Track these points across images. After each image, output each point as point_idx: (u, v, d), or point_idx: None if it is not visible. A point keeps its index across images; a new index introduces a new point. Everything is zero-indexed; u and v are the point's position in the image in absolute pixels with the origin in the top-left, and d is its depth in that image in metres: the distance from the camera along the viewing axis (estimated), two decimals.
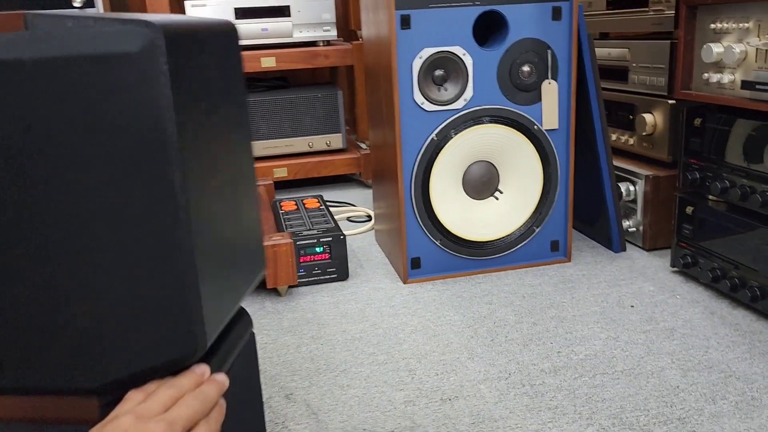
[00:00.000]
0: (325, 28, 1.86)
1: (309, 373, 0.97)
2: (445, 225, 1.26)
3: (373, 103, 1.36)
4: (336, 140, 1.97)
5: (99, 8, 1.70)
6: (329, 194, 1.95)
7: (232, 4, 1.79)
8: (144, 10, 2.15)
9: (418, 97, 1.18)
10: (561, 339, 1.03)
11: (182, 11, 1.78)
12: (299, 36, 1.85)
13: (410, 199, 1.24)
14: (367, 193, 1.94)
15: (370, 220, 1.69)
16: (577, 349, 1.00)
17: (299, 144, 1.93)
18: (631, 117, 1.39)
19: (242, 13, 1.80)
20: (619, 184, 1.37)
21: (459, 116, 1.21)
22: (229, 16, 1.79)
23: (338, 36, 1.93)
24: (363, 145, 2.02)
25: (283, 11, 1.82)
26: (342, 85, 2.16)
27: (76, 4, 1.68)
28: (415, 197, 1.23)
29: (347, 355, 1.02)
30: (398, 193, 1.23)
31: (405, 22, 1.15)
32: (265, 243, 1.18)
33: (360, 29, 1.91)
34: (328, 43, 1.91)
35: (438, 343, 1.04)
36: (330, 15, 1.85)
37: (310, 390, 0.93)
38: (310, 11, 1.84)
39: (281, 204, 1.51)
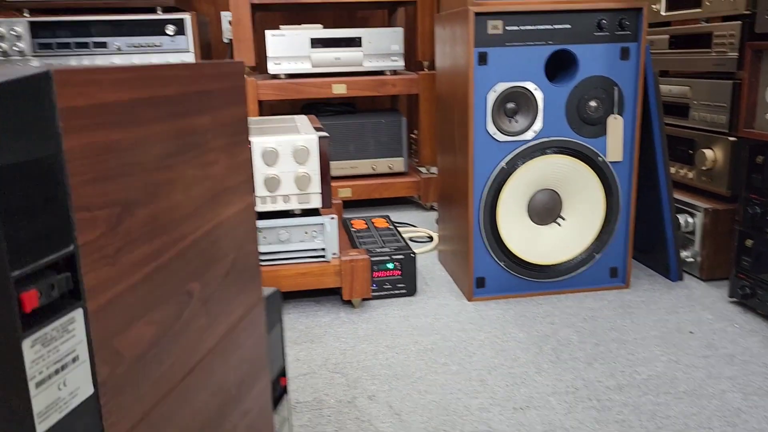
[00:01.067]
0: (393, 58, 1.97)
1: (388, 378, 1.05)
2: (509, 248, 1.34)
3: (445, 131, 1.45)
4: (398, 164, 2.06)
5: (189, 35, 1.84)
6: (389, 215, 2.04)
7: (309, 34, 1.91)
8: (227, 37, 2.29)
9: (491, 128, 1.27)
10: (623, 360, 1.09)
11: (263, 39, 1.91)
12: (368, 65, 1.96)
13: (478, 223, 1.32)
14: (426, 215, 2.03)
15: (431, 240, 1.77)
16: (640, 369, 1.06)
17: (363, 166, 2.04)
18: (690, 152, 1.45)
19: (318, 42, 1.92)
20: (678, 216, 1.43)
21: (528, 146, 1.29)
22: (306, 45, 1.91)
23: (404, 66, 2.04)
24: (423, 170, 2.12)
25: (355, 42, 1.94)
26: (402, 112, 2.27)
27: (168, 33, 1.83)
28: (483, 221, 1.32)
29: (421, 364, 1.10)
30: (467, 216, 1.32)
31: (482, 59, 1.24)
32: (344, 258, 1.28)
33: (426, 60, 2.02)
34: (395, 72, 2.02)
35: (506, 358, 1.11)
36: (398, 46, 1.96)
37: (390, 393, 1.01)
38: (380, 42, 1.95)
39: (352, 222, 1.60)
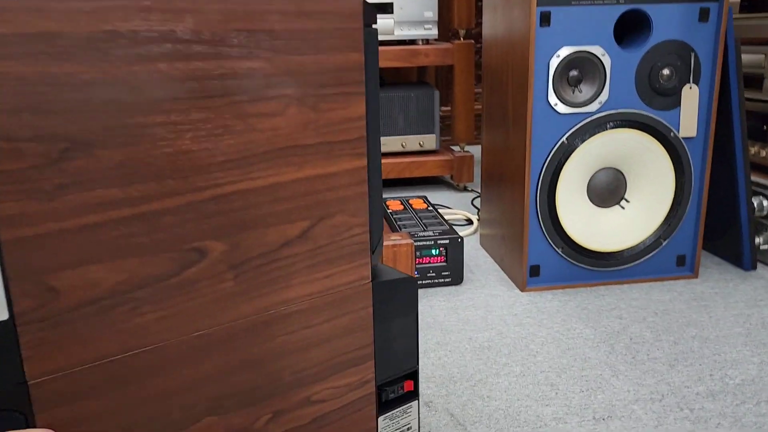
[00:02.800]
0: (426, 26, 1.83)
1: (443, 381, 0.93)
2: (568, 233, 1.21)
3: (494, 104, 1.32)
4: (429, 141, 1.93)
5: None
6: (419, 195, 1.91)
7: None
8: None
9: (552, 98, 1.13)
10: (709, 361, 0.97)
11: None
12: (400, 34, 1.82)
13: (535, 205, 1.19)
14: (460, 196, 1.90)
15: (470, 223, 1.64)
16: (731, 372, 0.94)
17: (392, 143, 1.90)
18: (765, 128, 1.32)
19: None
20: (752, 199, 1.30)
21: (593, 119, 1.15)
22: None
23: (437, 35, 1.90)
24: (456, 148, 1.98)
25: (386, 8, 1.79)
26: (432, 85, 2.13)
27: None
28: (539, 203, 1.18)
29: (479, 365, 0.97)
30: (523, 198, 1.18)
31: (545, 19, 1.10)
32: (385, 243, 1.15)
33: (462, 29, 1.87)
34: (427, 41, 1.88)
35: (575, 358, 0.99)
36: (432, 13, 1.81)
37: (449, 399, 0.88)
38: (413, 9, 1.80)
39: (387, 203, 1.47)
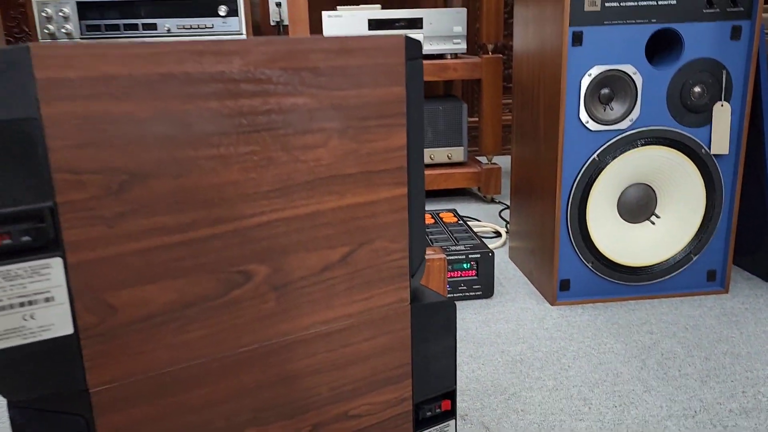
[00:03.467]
0: (455, 40, 1.85)
1: (478, 394, 0.95)
2: (598, 247, 1.22)
3: (524, 119, 1.33)
4: (457, 153, 1.95)
5: (242, 16, 1.74)
6: (448, 208, 1.93)
7: (366, 15, 1.80)
8: (287, 32, 2.20)
9: (584, 116, 1.15)
10: (742, 378, 0.97)
11: (320, 21, 1.81)
12: (429, 48, 1.84)
13: (566, 220, 1.20)
14: (487, 208, 1.91)
15: (498, 236, 1.66)
16: (764, 390, 0.94)
17: None
18: None
19: (376, 24, 1.81)
20: None
21: (624, 136, 1.16)
22: (363, 26, 1.80)
23: (466, 49, 1.92)
24: (483, 160, 1.99)
25: (415, 23, 1.82)
26: (459, 98, 2.15)
27: (220, 14, 1.73)
28: (570, 218, 1.20)
29: (512, 378, 0.99)
30: (553, 213, 1.20)
31: (577, 39, 1.11)
32: None
33: (490, 43, 1.89)
34: (456, 55, 1.90)
35: (607, 373, 0.99)
36: (461, 28, 1.83)
37: (483, 412, 0.90)
38: (442, 24, 1.83)
39: None
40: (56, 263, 0.47)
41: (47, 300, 0.47)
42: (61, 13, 1.70)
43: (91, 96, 0.46)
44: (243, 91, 0.51)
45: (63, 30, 1.71)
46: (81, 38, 1.72)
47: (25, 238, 0.45)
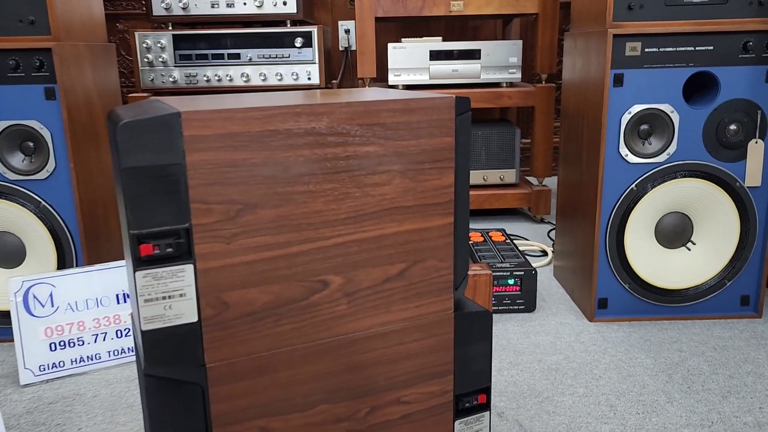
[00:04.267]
0: (510, 70, 1.97)
1: (515, 395, 1.07)
2: (635, 270, 1.32)
3: (570, 147, 1.45)
4: (509, 175, 2.07)
5: (315, 47, 1.92)
6: (498, 226, 2.05)
7: (428, 47, 1.95)
8: (353, 58, 2.37)
9: (623, 150, 1.26)
10: (761, 395, 1.06)
11: (386, 52, 1.97)
12: (485, 77, 1.98)
13: (604, 244, 1.31)
14: (536, 228, 2.02)
15: (544, 255, 1.77)
16: None
17: (475, 177, 2.06)
18: None
19: (436, 55, 1.96)
20: None
21: (660, 169, 1.26)
22: (425, 57, 1.95)
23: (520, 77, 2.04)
24: (534, 181, 2.11)
25: (474, 54, 1.96)
26: (512, 122, 2.27)
27: (296, 45, 1.92)
28: (609, 242, 1.30)
29: (547, 384, 1.11)
30: (593, 237, 1.31)
31: (618, 80, 1.23)
32: None
33: (544, 73, 2.01)
34: (511, 84, 2.02)
35: (634, 384, 1.10)
36: (517, 59, 1.96)
37: (519, 411, 1.03)
38: (498, 55, 1.96)
39: (469, 235, 1.63)
40: (189, 269, 0.63)
41: (181, 295, 0.63)
42: (159, 44, 1.92)
43: (220, 147, 0.62)
44: (329, 142, 0.66)
45: (160, 59, 1.93)
46: (175, 66, 1.94)
47: (169, 250, 0.62)
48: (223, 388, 0.67)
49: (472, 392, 0.81)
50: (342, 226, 0.69)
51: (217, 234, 0.64)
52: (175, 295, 0.63)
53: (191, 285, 0.64)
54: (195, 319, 0.65)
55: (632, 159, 1.26)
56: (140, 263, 0.61)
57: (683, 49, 1.22)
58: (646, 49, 1.22)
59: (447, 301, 0.76)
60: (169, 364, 0.65)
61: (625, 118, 1.24)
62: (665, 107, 1.24)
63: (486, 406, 0.83)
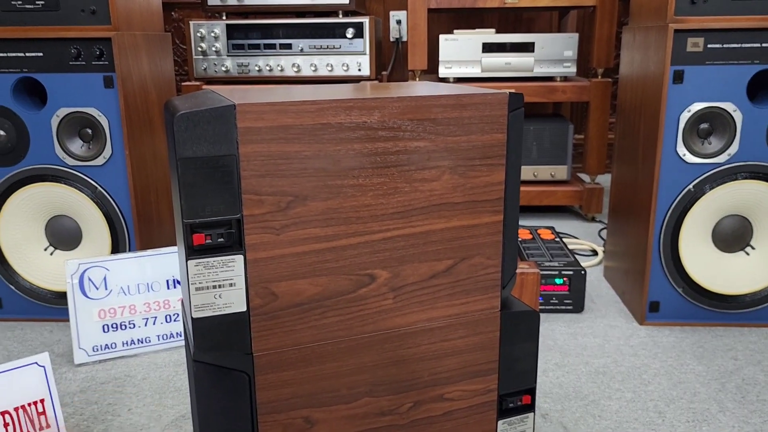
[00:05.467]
0: (565, 64, 1.93)
1: (559, 397, 1.05)
2: (690, 274, 1.28)
3: (626, 144, 1.41)
4: (561, 172, 2.03)
5: (366, 38, 1.92)
6: (548, 223, 2.02)
7: (481, 39, 1.92)
8: (404, 50, 2.36)
9: (681, 149, 1.22)
10: None
11: (437, 44, 1.95)
12: (539, 71, 1.94)
13: (658, 246, 1.27)
14: (587, 227, 1.98)
15: (594, 254, 1.73)
16: None
17: (525, 173, 2.02)
18: None
19: (489, 47, 1.93)
20: None
21: (720, 170, 1.22)
22: (477, 49, 1.93)
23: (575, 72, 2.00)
24: (586, 178, 2.06)
25: (527, 47, 1.92)
26: (565, 117, 2.22)
27: (347, 36, 1.92)
28: (663, 244, 1.27)
29: (593, 387, 1.08)
30: (647, 238, 1.27)
31: (678, 77, 1.19)
32: None
33: (600, 67, 1.96)
34: (565, 78, 1.98)
35: (684, 391, 1.07)
36: (572, 52, 1.92)
37: (563, 414, 1.01)
38: (553, 48, 1.92)
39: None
40: (239, 259, 0.64)
41: (231, 285, 0.64)
42: (212, 34, 1.95)
43: (272, 140, 0.62)
44: (379, 137, 0.66)
45: (213, 48, 1.97)
46: (227, 55, 1.97)
47: (220, 240, 0.63)
48: (269, 376, 0.68)
49: (517, 393, 0.80)
50: (390, 221, 0.69)
51: (268, 225, 0.64)
52: (225, 285, 0.64)
53: (241, 275, 0.65)
54: (244, 308, 0.66)
55: (690, 159, 1.22)
56: (193, 252, 0.63)
57: (749, 45, 1.16)
58: (709, 45, 1.17)
59: (494, 300, 0.75)
60: (218, 351, 0.66)
61: (684, 117, 1.20)
62: (727, 106, 1.19)
63: (530, 408, 0.81)
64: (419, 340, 0.74)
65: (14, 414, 0.79)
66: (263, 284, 0.66)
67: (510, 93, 0.71)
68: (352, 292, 0.69)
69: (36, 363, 0.81)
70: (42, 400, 0.81)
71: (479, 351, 0.76)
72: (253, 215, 0.64)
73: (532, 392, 0.81)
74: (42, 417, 0.81)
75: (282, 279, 0.66)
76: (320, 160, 0.65)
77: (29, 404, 0.80)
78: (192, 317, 0.64)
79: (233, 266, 0.64)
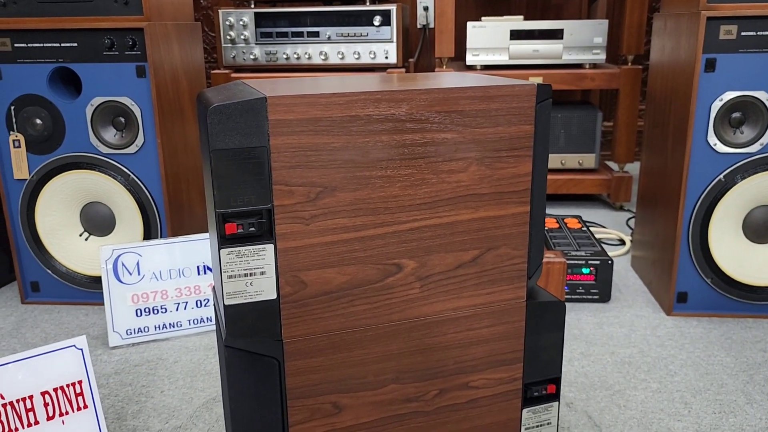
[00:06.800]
0: (594, 51, 1.91)
1: (584, 387, 1.06)
2: (719, 264, 1.26)
3: (655, 133, 1.39)
4: (589, 160, 2.01)
5: (393, 26, 1.92)
6: (575, 212, 2.00)
7: (509, 26, 1.91)
8: (431, 36, 2.36)
9: (712, 139, 1.20)
10: None
11: (464, 31, 1.94)
12: (568, 58, 1.92)
13: (687, 236, 1.26)
14: (615, 215, 1.96)
15: (622, 244, 1.72)
16: None
17: (552, 161, 2.01)
18: None
19: (517, 34, 1.92)
20: None
21: (752, 160, 1.20)
22: (505, 37, 1.91)
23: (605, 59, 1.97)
24: (615, 166, 2.04)
25: (556, 34, 1.90)
26: (594, 104, 2.19)
27: (375, 23, 1.92)
28: (692, 234, 1.25)
29: (619, 377, 1.08)
30: (675, 227, 1.26)
31: (710, 65, 1.17)
32: None
33: (631, 54, 1.93)
34: (594, 65, 1.96)
35: (712, 382, 1.06)
36: (602, 39, 1.89)
37: (588, 403, 1.01)
38: (582, 35, 1.90)
39: None
40: (269, 248, 0.66)
41: (262, 273, 0.66)
42: (241, 22, 1.97)
43: (302, 132, 0.64)
44: (407, 128, 0.67)
45: (241, 36, 1.98)
46: (256, 44, 1.98)
47: (251, 229, 0.64)
48: (299, 362, 0.70)
49: (542, 381, 0.81)
50: (417, 211, 0.70)
51: (298, 215, 0.66)
52: (256, 273, 0.66)
53: (271, 264, 0.66)
54: (274, 296, 0.67)
55: (721, 148, 1.20)
56: (225, 241, 0.64)
57: None
58: (743, 33, 1.15)
59: (519, 290, 0.76)
60: (249, 337, 0.68)
61: (716, 105, 1.18)
62: (761, 95, 1.17)
63: (555, 396, 0.82)
64: (445, 329, 0.75)
65: (53, 394, 0.82)
66: (293, 273, 0.67)
67: (538, 84, 0.71)
68: (379, 281, 0.71)
69: (74, 346, 0.84)
70: (80, 382, 0.84)
71: (505, 340, 0.77)
72: (283, 205, 0.65)
73: (557, 382, 0.82)
74: (80, 398, 0.84)
75: (311, 268, 0.68)
76: (349, 152, 0.66)
77: (67, 385, 0.83)
78: (224, 304, 0.66)
79: (264, 255, 0.66)
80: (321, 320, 0.70)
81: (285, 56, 1.99)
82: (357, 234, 0.68)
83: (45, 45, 1.27)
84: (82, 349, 0.85)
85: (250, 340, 0.68)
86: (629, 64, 1.94)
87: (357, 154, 0.66)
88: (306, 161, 0.65)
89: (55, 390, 0.83)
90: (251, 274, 0.66)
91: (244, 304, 0.66)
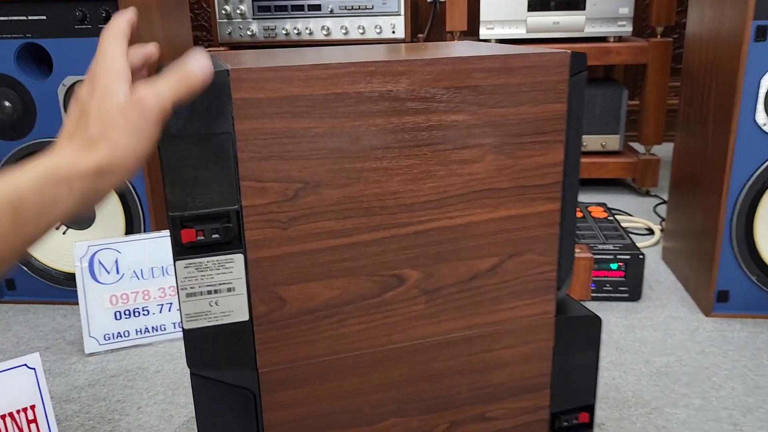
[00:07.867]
0: (620, 23, 1.75)
1: (617, 404, 0.93)
2: (766, 260, 1.12)
3: (692, 111, 1.25)
4: (612, 142, 1.86)
5: (402, 11, 1.77)
6: (596, 199, 1.86)
7: None
8: (442, 10, 2.21)
9: (761, 118, 1.05)
10: None
11: (477, 2, 1.79)
12: (590, 30, 1.76)
13: (729, 227, 1.12)
14: (641, 202, 1.82)
15: (650, 234, 1.58)
16: None
17: None
18: None
19: (535, 5, 1.76)
20: None
21: None
22: (522, 8, 1.76)
23: (631, 31, 1.81)
24: (641, 149, 1.89)
25: (578, 4, 1.74)
26: (619, 81, 2.04)
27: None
28: (736, 225, 1.11)
29: (655, 391, 0.95)
30: (717, 216, 1.12)
31: (761, 34, 1.02)
32: None
33: (660, 26, 1.77)
34: (620, 38, 1.80)
35: (764, 398, 0.93)
36: (628, 9, 1.73)
37: (622, 424, 0.88)
38: (607, 5, 1.74)
39: None
40: (238, 259, 0.53)
41: (229, 290, 0.54)
42: None
43: (276, 114, 0.51)
44: (408, 109, 0.53)
45: (238, 10, 1.84)
46: (253, 18, 1.85)
47: (215, 236, 0.52)
48: (279, 395, 0.58)
49: (572, 410, 0.68)
50: (422, 211, 0.56)
51: (273, 218, 0.53)
52: (222, 290, 0.54)
53: (241, 278, 0.54)
54: (245, 317, 0.55)
55: None
56: (182, 251, 0.52)
57: None
58: None
59: (547, 303, 0.63)
60: (215, 368, 0.56)
61: (766, 81, 1.03)
62: None
63: (588, 426, 0.69)
64: (457, 351, 0.62)
65: (1, 423, 0.71)
66: (268, 288, 0.55)
67: (573, 53, 0.57)
68: (376, 296, 0.58)
69: (26, 365, 0.72)
70: (33, 407, 0.73)
71: (529, 363, 0.64)
72: (254, 206, 0.52)
73: (590, 410, 0.69)
74: (32, 425, 0.72)
75: (291, 282, 0.55)
76: (335, 139, 0.52)
77: (18, 411, 0.72)
78: (183, 328, 0.54)
79: (231, 267, 0.53)
80: (305, 344, 0.57)
81: (284, 32, 1.85)
82: (347, 240, 0.55)
83: (11, 18, 1.14)
84: (34, 369, 0.73)
85: (218, 370, 0.56)
86: (658, 36, 1.77)
87: (346, 142, 0.53)
88: (282, 151, 0.52)
89: (3, 417, 0.71)
90: (216, 291, 0.53)
91: (208, 327, 0.54)
